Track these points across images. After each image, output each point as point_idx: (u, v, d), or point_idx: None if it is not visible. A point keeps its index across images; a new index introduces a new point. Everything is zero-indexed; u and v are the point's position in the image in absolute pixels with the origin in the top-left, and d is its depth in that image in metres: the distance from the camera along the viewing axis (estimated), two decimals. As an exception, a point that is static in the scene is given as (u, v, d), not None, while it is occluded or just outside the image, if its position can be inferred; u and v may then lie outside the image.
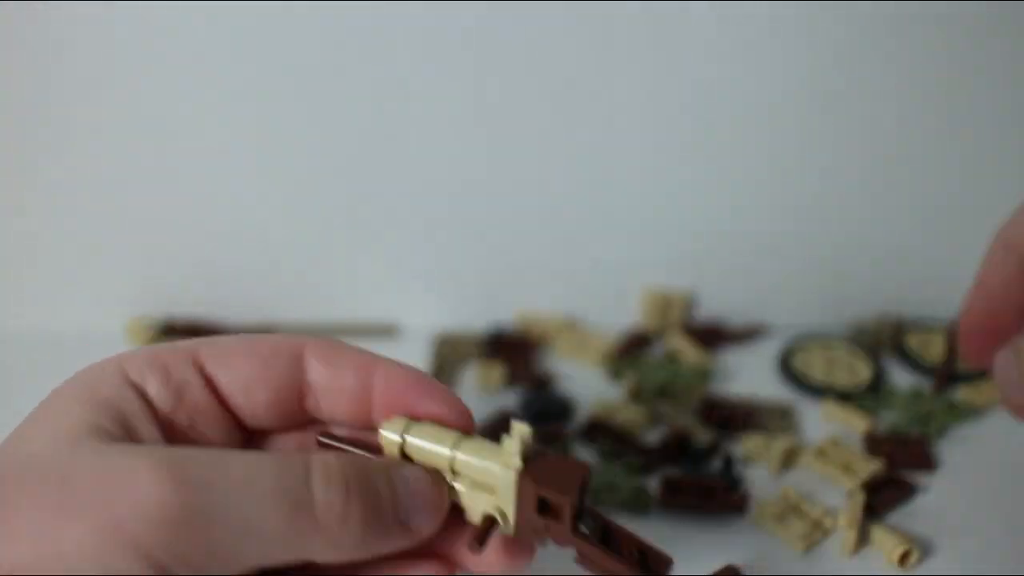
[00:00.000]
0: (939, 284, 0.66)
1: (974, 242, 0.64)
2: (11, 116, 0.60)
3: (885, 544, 0.46)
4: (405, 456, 0.35)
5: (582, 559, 0.36)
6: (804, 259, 0.66)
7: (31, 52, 0.57)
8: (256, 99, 0.59)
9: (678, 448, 0.51)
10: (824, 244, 0.65)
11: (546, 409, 0.57)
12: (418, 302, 0.67)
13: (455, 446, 0.35)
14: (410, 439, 0.35)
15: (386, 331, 0.67)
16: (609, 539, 0.36)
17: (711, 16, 0.56)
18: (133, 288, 0.67)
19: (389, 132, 0.61)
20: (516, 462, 0.34)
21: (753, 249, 0.65)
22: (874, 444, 0.55)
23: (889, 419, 0.58)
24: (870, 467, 0.52)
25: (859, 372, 0.62)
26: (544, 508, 0.34)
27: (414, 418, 0.36)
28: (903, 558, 0.46)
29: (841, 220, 0.64)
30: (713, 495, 0.47)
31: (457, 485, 0.35)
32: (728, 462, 0.49)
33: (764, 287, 0.67)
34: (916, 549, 0.46)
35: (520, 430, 0.34)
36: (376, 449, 0.36)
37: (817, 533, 0.48)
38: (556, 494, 0.33)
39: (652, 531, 0.39)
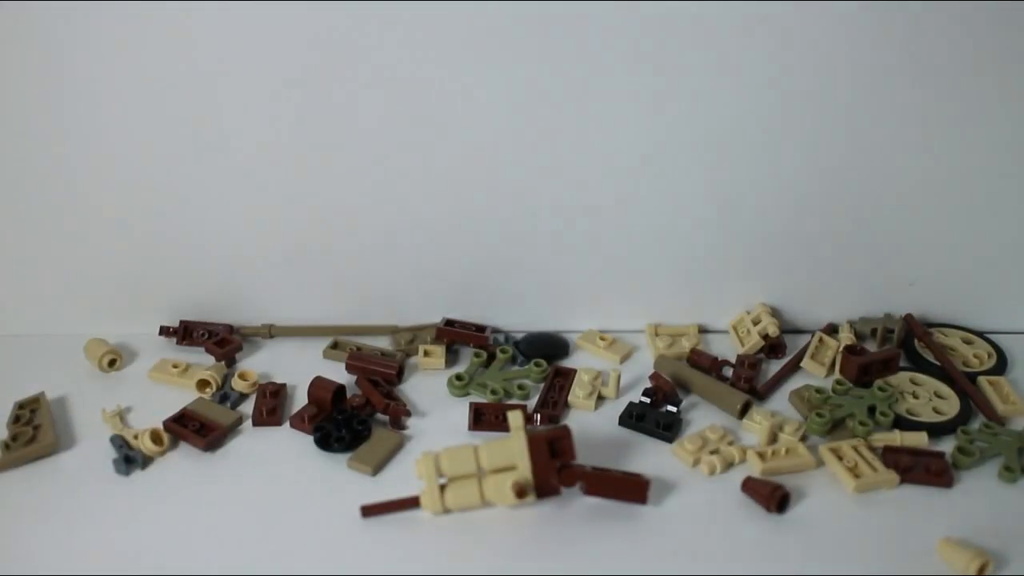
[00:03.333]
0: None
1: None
2: (39, 138, 0.60)
3: (960, 557, 0.46)
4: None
5: (590, 487, 0.50)
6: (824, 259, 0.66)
7: (60, 76, 0.58)
8: (256, 116, 0.60)
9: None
10: (844, 244, 0.66)
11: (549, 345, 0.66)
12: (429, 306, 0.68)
13: (477, 452, 0.49)
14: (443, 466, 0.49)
15: (392, 331, 0.67)
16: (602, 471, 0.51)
17: (725, 19, 0.56)
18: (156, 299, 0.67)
19: (394, 145, 0.61)
20: (522, 431, 0.49)
21: (774, 254, 0.66)
22: (892, 456, 0.54)
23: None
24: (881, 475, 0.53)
25: (946, 405, 0.60)
26: (553, 451, 0.49)
27: None
28: (981, 569, 0.46)
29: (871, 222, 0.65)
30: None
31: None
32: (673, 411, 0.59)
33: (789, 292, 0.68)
34: (991, 560, 0.46)
35: (515, 415, 0.50)
36: (413, 501, 0.50)
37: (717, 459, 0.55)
38: (557, 432, 0.49)
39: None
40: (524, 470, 0.49)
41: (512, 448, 0.49)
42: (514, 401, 0.60)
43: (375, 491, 0.51)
